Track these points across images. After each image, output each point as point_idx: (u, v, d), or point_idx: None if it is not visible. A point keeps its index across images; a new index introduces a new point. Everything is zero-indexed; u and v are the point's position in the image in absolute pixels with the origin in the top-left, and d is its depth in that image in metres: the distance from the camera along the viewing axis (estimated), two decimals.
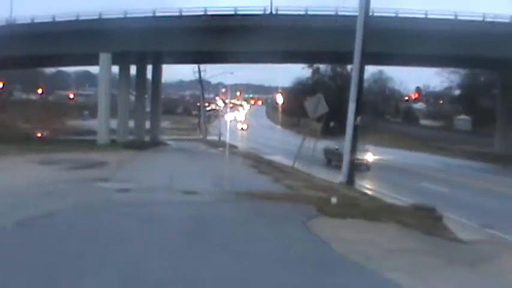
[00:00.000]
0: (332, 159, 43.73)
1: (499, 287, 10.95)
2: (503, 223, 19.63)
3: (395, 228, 15.13)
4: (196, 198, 19.18)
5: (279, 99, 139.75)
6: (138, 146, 55.46)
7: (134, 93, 73.56)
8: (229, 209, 17.47)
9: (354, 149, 25.21)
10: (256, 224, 15.03)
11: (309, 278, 10.15)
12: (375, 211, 16.96)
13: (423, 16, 54.26)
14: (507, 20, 54.74)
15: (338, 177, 25.87)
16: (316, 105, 33.76)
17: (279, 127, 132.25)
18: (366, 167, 39.80)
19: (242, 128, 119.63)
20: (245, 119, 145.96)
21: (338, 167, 34.54)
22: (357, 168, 34.73)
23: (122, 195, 19.49)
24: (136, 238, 12.66)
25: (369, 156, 41.78)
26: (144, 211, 16.27)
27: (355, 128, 24.87)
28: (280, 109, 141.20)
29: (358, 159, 35.19)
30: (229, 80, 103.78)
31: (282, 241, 13.13)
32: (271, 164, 38.13)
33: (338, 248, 12.37)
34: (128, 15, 55.55)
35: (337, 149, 40.16)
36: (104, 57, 57.59)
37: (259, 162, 38.78)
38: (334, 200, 17.76)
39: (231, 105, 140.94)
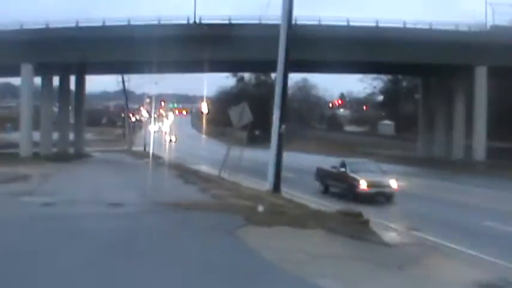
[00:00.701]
0: (331, 185, 32.28)
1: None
2: (428, 225, 20.01)
3: (322, 234, 15.24)
4: (122, 210, 18.99)
5: (204, 108, 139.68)
6: (62, 158, 54.76)
7: (57, 104, 72.55)
8: (156, 219, 17.27)
9: (279, 157, 25.18)
10: (182, 234, 14.93)
11: (237, 287, 10.13)
12: (301, 218, 17.02)
13: (345, 24, 54.98)
14: (426, 26, 55.97)
15: (265, 186, 25.84)
16: (241, 113, 33.71)
17: (204, 137, 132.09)
18: (387, 197, 28.63)
19: (171, 140, 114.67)
20: (170, 129, 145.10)
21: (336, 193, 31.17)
22: (374, 198, 28.36)
23: (46, 209, 19.13)
24: (61, 253, 12.43)
25: (392, 182, 29.07)
26: (69, 225, 15.97)
27: (280, 136, 24.93)
28: (205, 119, 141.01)
29: (377, 185, 28.64)
30: (154, 90, 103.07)
31: (209, 250, 13.09)
32: (197, 174, 38.00)
33: (266, 256, 12.37)
34: (50, 26, 54.80)
35: (340, 170, 30.97)
36: (26, 68, 56.56)
37: (185, 172, 38.62)
38: (260, 208, 17.79)
39: (156, 115, 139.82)
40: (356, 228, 16.25)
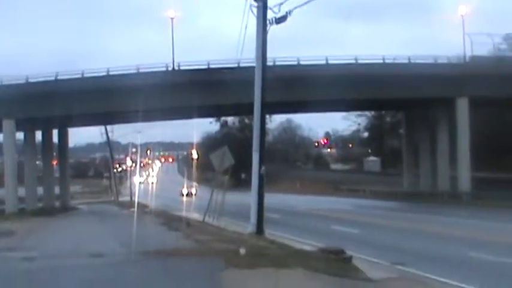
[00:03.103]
0: None
1: None
2: (414, 259, 19.87)
3: (303, 273, 15.08)
4: (102, 261, 18.77)
5: (194, 154, 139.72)
6: (48, 212, 54.70)
7: (41, 159, 72.49)
8: (136, 268, 17.08)
9: (261, 199, 25.06)
10: (163, 281, 14.79)
11: None
12: (283, 258, 16.87)
13: (324, 62, 55.21)
14: (405, 61, 56.33)
15: (248, 228, 25.72)
16: (222, 158, 33.78)
17: (192, 183, 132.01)
18: None
19: (191, 193, 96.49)
20: (157, 179, 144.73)
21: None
22: None
23: (27, 264, 18.90)
24: None
25: None
26: (48, 278, 15.81)
27: (261, 178, 24.86)
28: (194, 164, 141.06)
29: None
30: (139, 139, 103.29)
31: None
32: (182, 220, 37.79)
33: None
34: (30, 80, 54.84)
35: None
36: (7, 124, 56.44)
37: (170, 220, 38.39)
38: (242, 251, 17.65)
39: (142, 164, 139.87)
40: (338, 266, 16.12)
